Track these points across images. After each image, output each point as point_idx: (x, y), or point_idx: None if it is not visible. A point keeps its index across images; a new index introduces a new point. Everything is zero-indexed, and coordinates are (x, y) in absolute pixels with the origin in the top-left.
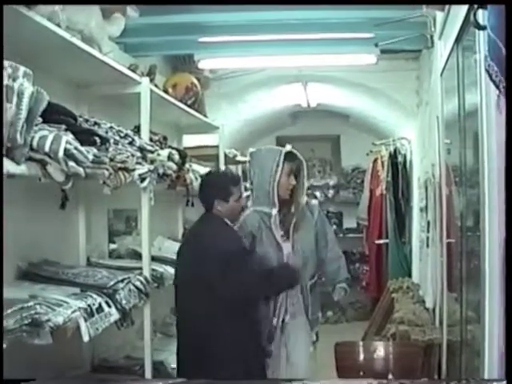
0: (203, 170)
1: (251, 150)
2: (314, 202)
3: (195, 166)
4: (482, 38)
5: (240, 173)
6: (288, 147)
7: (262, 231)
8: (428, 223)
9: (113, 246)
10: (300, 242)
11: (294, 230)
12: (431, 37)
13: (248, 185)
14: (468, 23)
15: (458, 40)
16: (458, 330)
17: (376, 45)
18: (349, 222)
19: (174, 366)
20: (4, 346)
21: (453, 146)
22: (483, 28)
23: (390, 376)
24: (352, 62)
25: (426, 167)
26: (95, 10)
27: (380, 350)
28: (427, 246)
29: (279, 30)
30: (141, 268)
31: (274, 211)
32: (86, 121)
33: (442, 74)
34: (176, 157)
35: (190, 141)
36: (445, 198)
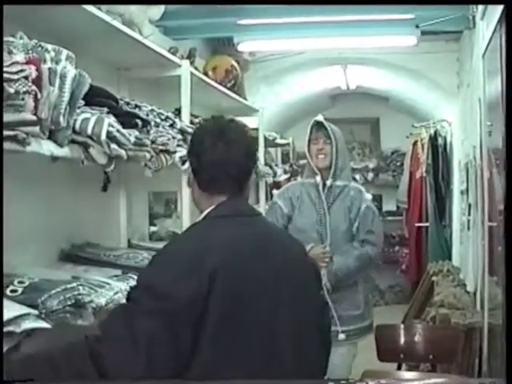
0: None
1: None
2: (359, 187)
3: None
4: None
5: (279, 155)
6: (318, 117)
7: (302, 201)
8: (469, 206)
9: (153, 229)
10: (334, 216)
11: (332, 202)
12: (473, 17)
13: None
14: None
15: (501, 20)
16: (499, 314)
17: (417, 26)
18: (388, 205)
19: None
20: (5, 348)
21: (494, 129)
22: None
23: (431, 359)
24: (392, 44)
25: (467, 150)
26: None
27: (420, 333)
28: (468, 228)
29: (319, 12)
30: None
31: (318, 179)
32: (127, 103)
33: (483, 55)
34: None
35: None
36: (486, 180)
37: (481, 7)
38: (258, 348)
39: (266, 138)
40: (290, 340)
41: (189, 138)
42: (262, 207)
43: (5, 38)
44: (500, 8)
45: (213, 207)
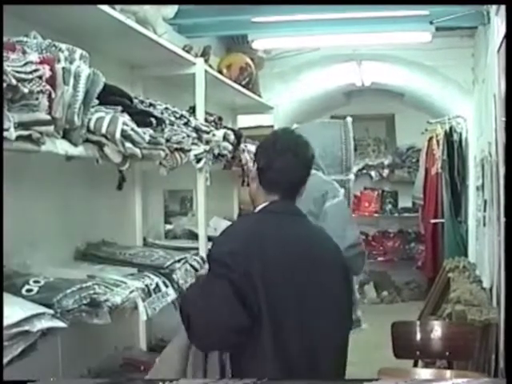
0: None
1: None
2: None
3: (250, 146)
4: None
5: None
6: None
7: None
8: (485, 202)
9: (169, 227)
10: None
11: None
12: (487, 13)
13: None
14: None
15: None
16: None
17: (431, 22)
18: (404, 202)
19: None
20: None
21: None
22: None
23: (447, 355)
24: (407, 40)
25: (483, 145)
26: None
27: (437, 329)
28: (484, 225)
29: (333, 9)
30: (197, 248)
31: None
32: (142, 102)
33: (498, 51)
34: (231, 137)
35: (244, 121)
36: (502, 176)
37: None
38: (286, 316)
39: None
40: (313, 319)
41: (203, 135)
42: None
43: (18, 38)
44: None
45: (266, 203)
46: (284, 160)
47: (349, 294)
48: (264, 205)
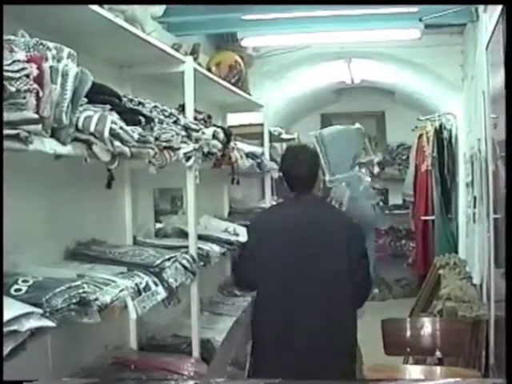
0: (248, 148)
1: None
2: None
3: (240, 145)
4: None
5: None
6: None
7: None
8: (474, 199)
9: (159, 225)
10: None
11: None
12: (476, 10)
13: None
14: None
15: (503, 12)
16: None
17: (420, 19)
18: (394, 199)
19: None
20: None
21: (499, 121)
22: None
23: (438, 352)
24: (396, 38)
25: (472, 142)
26: None
27: (427, 326)
28: (474, 221)
29: (322, 6)
30: (187, 247)
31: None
32: (131, 100)
33: (487, 48)
34: (221, 135)
35: (234, 119)
36: (491, 173)
37: None
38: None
39: (271, 133)
40: (315, 279)
41: (193, 134)
42: (267, 201)
43: (6, 37)
44: None
45: (287, 197)
46: (297, 169)
47: (351, 255)
48: (287, 197)
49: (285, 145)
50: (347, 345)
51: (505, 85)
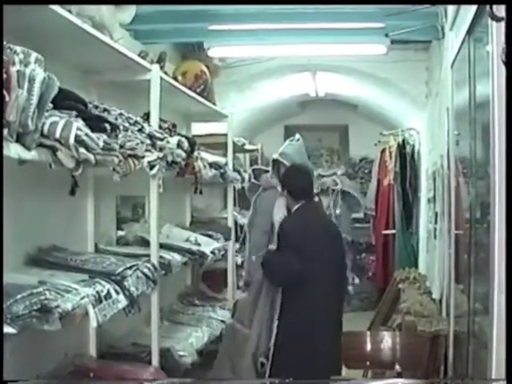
0: (212, 158)
1: None
2: None
3: (204, 154)
4: (495, 29)
5: (248, 161)
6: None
7: None
8: (436, 214)
9: (120, 233)
10: None
11: None
12: (442, 28)
13: None
14: (481, 14)
15: (469, 31)
16: (464, 322)
17: (386, 35)
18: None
19: (182, 353)
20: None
21: (461, 138)
22: (500, 20)
23: (397, 366)
24: (362, 52)
25: (435, 158)
26: None
27: (387, 340)
28: (435, 237)
29: (289, 19)
30: (149, 255)
31: None
32: (96, 107)
33: (452, 66)
34: (185, 144)
35: (198, 129)
36: (453, 189)
37: (450, 18)
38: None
39: (234, 144)
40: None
41: (157, 142)
42: (229, 212)
43: None
44: (469, 19)
45: (298, 205)
46: (299, 181)
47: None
48: (298, 205)
49: (248, 156)
50: (340, 342)
51: (505, 85)
